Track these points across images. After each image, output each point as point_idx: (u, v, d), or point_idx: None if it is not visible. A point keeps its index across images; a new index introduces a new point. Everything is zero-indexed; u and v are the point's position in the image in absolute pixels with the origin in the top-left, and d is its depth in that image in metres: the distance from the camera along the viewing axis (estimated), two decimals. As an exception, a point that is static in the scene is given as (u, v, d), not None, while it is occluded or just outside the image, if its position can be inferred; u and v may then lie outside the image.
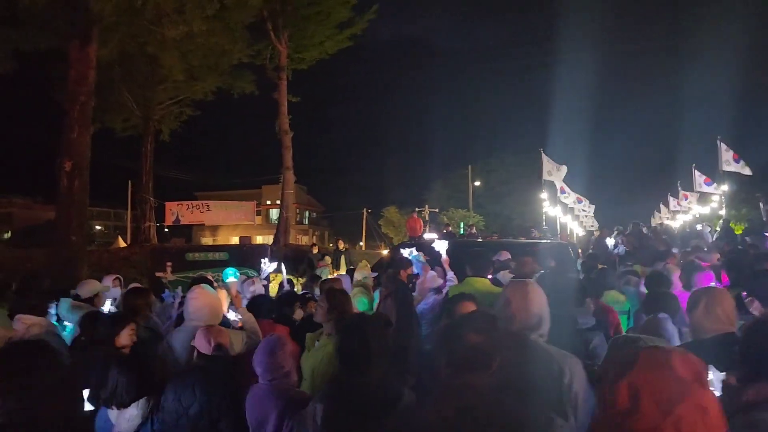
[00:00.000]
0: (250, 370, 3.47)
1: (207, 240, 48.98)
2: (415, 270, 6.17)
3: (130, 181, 37.06)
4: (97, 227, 62.44)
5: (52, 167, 12.07)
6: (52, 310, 5.01)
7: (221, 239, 44.87)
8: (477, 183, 49.25)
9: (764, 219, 20.65)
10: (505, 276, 6.50)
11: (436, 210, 44.71)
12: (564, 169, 22.53)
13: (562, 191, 23.86)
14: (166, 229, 27.29)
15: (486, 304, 4.41)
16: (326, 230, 64.90)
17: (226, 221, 26.28)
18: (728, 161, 21.58)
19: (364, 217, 51.47)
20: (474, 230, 21.63)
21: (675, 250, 9.67)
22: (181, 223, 23.55)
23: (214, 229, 45.89)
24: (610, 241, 14.93)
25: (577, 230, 32.79)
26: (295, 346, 3.60)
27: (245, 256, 10.81)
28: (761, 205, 20.97)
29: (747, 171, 21.71)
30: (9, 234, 57.91)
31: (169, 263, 10.70)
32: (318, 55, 22.75)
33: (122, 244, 24.27)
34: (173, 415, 3.46)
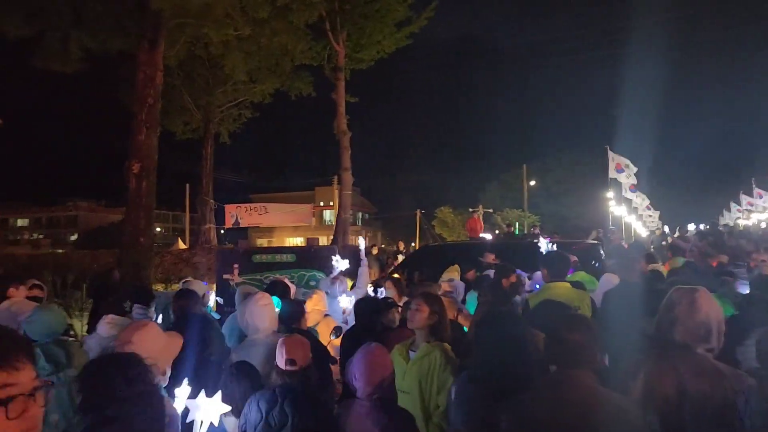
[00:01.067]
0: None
1: (262, 242, 49.56)
2: None
3: (188, 184, 37.75)
4: (157, 229, 64.26)
5: (115, 171, 12.20)
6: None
7: (276, 241, 45.29)
8: (532, 182, 48.18)
9: None
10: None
11: (491, 210, 44.01)
12: (633, 168, 21.61)
13: (632, 189, 22.87)
14: (222, 231, 27.63)
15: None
16: (379, 231, 64.82)
17: (284, 223, 26.40)
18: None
19: (418, 217, 51.11)
20: (537, 230, 20.96)
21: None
22: (240, 225, 23.74)
23: (270, 231, 46.36)
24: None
25: (641, 230, 31.58)
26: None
27: (312, 258, 10.56)
28: None
29: None
30: (75, 236, 60.20)
31: (236, 265, 10.59)
32: (376, 54, 22.50)
33: (182, 246, 24.65)
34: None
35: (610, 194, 23.17)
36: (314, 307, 5.67)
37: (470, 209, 43.13)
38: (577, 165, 50.28)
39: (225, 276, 10.16)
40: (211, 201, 23.68)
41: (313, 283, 9.92)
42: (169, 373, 2.87)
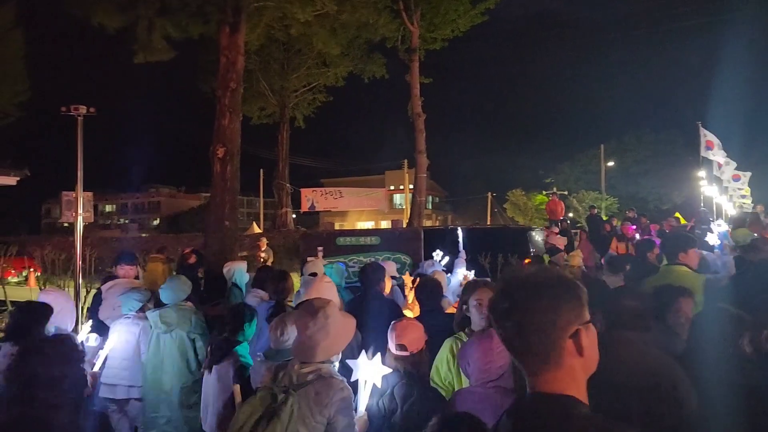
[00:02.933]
0: None
1: (334, 225, 50.16)
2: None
3: (261, 169, 38.47)
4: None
5: (192, 158, 12.42)
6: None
7: (348, 225, 45.69)
8: (610, 163, 46.31)
9: None
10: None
11: (565, 192, 42.68)
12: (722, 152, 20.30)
13: (735, 179, 21.51)
14: (294, 215, 27.99)
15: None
16: (449, 215, 64.34)
17: (358, 207, 26.49)
18: None
19: (489, 201, 50.31)
20: (595, 212, 20.04)
21: None
22: (316, 209, 23.98)
23: (342, 215, 46.82)
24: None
25: (731, 211, 29.78)
26: None
27: (397, 241, 10.44)
28: None
29: None
30: (158, 221, 62.95)
31: (320, 248, 10.61)
32: (450, 33, 22.02)
33: (257, 229, 25.15)
34: (375, 418, 2.98)
35: (701, 173, 21.85)
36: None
37: (544, 192, 42.00)
38: (657, 144, 47.97)
39: (309, 258, 10.19)
40: (288, 185, 24.02)
41: (398, 266, 9.79)
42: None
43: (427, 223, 52.43)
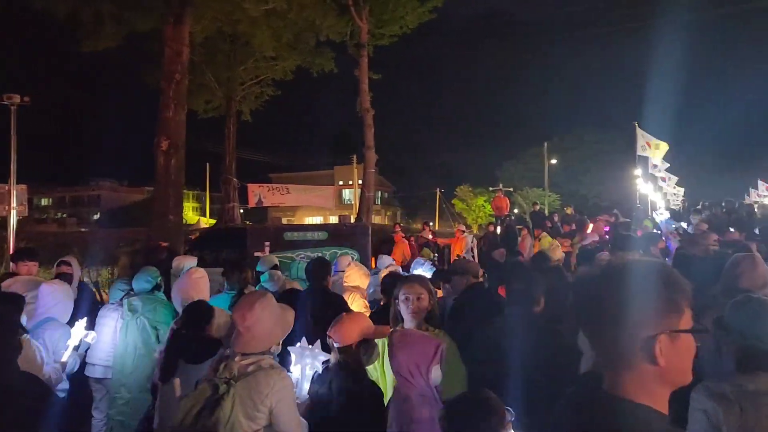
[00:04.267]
0: None
1: (282, 220, 49.70)
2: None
3: (208, 163, 37.84)
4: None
5: (136, 151, 12.17)
6: None
7: (296, 220, 45.40)
8: (553, 161, 47.62)
9: None
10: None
11: (510, 189, 43.59)
12: (664, 145, 21.18)
13: (654, 165, 22.46)
14: (241, 210, 27.66)
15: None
16: (398, 210, 64.74)
17: (306, 203, 26.32)
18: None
19: (438, 197, 50.89)
20: (537, 208, 20.80)
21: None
22: (264, 204, 23.68)
23: (291, 210, 46.47)
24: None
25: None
26: None
27: (344, 235, 10.49)
28: None
29: None
30: (98, 215, 60.91)
31: (267, 242, 10.55)
32: (399, 30, 22.15)
33: (203, 224, 24.71)
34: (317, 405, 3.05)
35: (638, 172, 22.75)
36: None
37: (490, 188, 42.81)
38: (597, 144, 49.60)
39: (256, 253, 10.12)
40: (235, 180, 23.66)
41: (345, 260, 9.81)
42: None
43: (377, 219, 52.63)
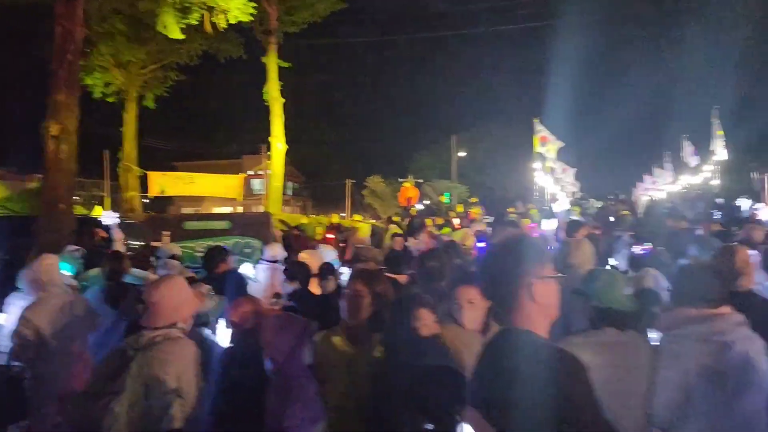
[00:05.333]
0: None
1: (188, 211, 48.07)
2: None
3: (107, 151, 35.76)
4: (74, 197, 61.06)
5: (27, 136, 11.45)
6: None
7: (204, 210, 44.13)
8: (462, 153, 48.94)
9: (757, 189, 20.78)
10: None
11: (420, 180, 44.40)
12: (559, 143, 22.32)
13: (543, 142, 23.61)
14: (146, 200, 26.55)
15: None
16: (308, 201, 64.30)
17: (212, 193, 25.61)
18: (718, 137, 21.60)
19: (348, 187, 50.91)
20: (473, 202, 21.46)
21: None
22: (166, 194, 22.87)
23: (198, 200, 45.08)
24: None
25: (564, 202, 32.71)
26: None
27: (248, 225, 10.34)
28: (755, 175, 21.09)
29: (724, 155, 21.70)
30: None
31: (166, 232, 10.21)
32: (309, 17, 21.97)
33: (101, 214, 23.38)
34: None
35: (536, 165, 23.80)
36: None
37: (399, 179, 43.39)
38: (504, 137, 51.38)
39: (154, 243, 9.79)
40: (135, 168, 22.64)
41: (248, 250, 9.74)
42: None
43: (286, 210, 52.08)
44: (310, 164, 63.99)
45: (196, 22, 15.04)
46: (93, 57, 19.93)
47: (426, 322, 2.83)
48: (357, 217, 19.97)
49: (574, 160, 26.63)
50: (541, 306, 1.83)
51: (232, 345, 3.43)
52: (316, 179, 63.45)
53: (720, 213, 13.12)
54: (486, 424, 1.70)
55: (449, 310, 3.26)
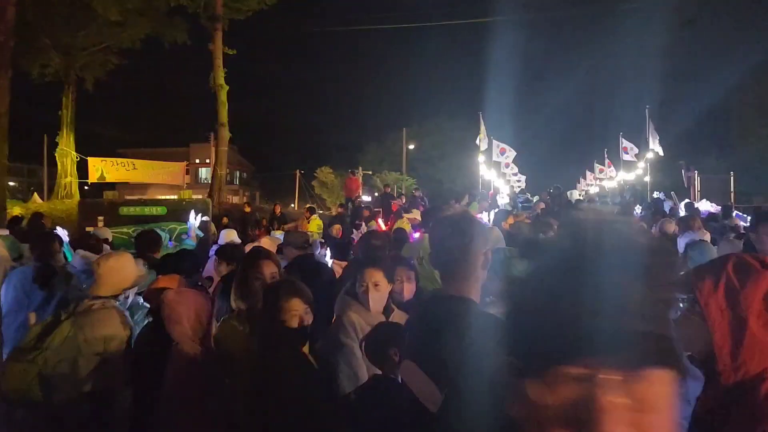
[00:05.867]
0: None
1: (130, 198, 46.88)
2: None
3: (45, 135, 34.56)
4: (10, 183, 58.55)
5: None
6: None
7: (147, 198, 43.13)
8: (411, 146, 49.35)
9: (686, 185, 21.87)
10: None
11: (370, 172, 44.58)
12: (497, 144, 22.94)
13: (502, 152, 24.24)
14: (87, 187, 25.88)
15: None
16: (257, 191, 63.59)
17: (154, 180, 25.13)
18: (652, 134, 22.59)
19: (297, 178, 50.67)
20: (388, 190, 21.78)
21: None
22: (106, 180, 22.34)
23: (141, 188, 44.05)
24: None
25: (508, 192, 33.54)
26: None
27: (184, 211, 10.28)
28: (683, 171, 22.16)
29: (660, 151, 22.73)
30: None
31: (100, 217, 10.10)
32: (257, 4, 21.76)
33: (38, 200, 22.78)
34: None
35: (481, 158, 24.34)
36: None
37: (350, 170, 43.44)
38: (453, 131, 52.05)
39: (87, 228, 9.68)
40: (73, 153, 22.01)
41: (185, 236, 9.70)
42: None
43: (234, 199, 51.43)
44: (259, 154, 63.43)
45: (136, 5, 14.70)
46: (29, 38, 19.27)
47: (296, 312, 2.69)
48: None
49: (520, 156, 27.32)
50: (483, 274, 2.08)
51: (149, 320, 3.60)
52: (265, 169, 62.87)
53: (641, 206, 13.84)
54: (423, 376, 1.92)
55: (355, 291, 3.34)
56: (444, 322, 1.94)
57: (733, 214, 11.49)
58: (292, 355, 2.67)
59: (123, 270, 3.46)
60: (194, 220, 7.71)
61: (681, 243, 5.43)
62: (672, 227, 7.27)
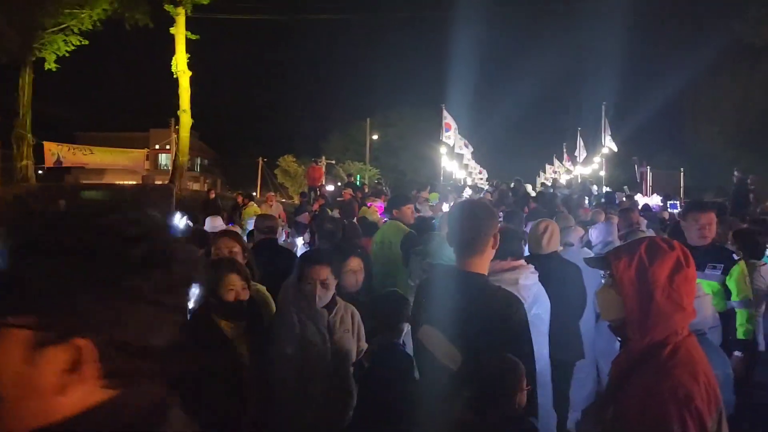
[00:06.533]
0: None
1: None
2: None
3: (0, 118, 33.54)
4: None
5: None
6: None
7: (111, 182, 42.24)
8: (375, 136, 49.50)
9: (638, 180, 22.69)
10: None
11: (333, 161, 44.58)
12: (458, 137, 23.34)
13: (466, 146, 24.69)
14: (40, 171, 25.29)
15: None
16: (219, 178, 62.83)
17: (112, 166, 24.75)
18: (606, 130, 23.36)
19: (260, 166, 50.28)
20: (351, 179, 22.08)
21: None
22: (63, 165, 21.91)
23: (99, 173, 43.13)
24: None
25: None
26: None
27: (147, 198, 10.32)
28: (636, 167, 23.00)
29: (614, 147, 23.54)
30: None
31: (62, 201, 10.02)
32: (221, -11, 21.55)
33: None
34: None
35: (443, 150, 24.72)
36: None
37: (313, 159, 43.35)
38: (417, 121, 52.38)
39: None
40: (29, 136, 21.45)
41: (147, 221, 9.73)
42: None
43: (195, 186, 50.76)
44: (222, 141, 62.60)
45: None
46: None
47: (232, 287, 2.95)
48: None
49: (481, 149, 27.86)
50: (491, 253, 2.44)
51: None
52: (227, 157, 62.15)
53: (587, 199, 14.53)
54: (443, 338, 2.27)
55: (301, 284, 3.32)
56: (460, 293, 2.32)
57: (669, 206, 12.47)
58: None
59: None
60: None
61: (592, 233, 5.93)
62: (601, 216, 7.84)
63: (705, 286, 3.91)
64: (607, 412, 1.86)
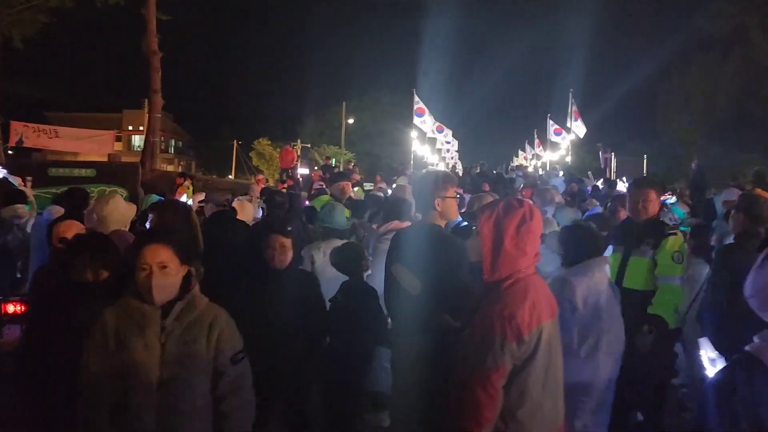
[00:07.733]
0: None
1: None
2: None
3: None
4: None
5: None
6: None
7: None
8: (350, 120, 49.66)
9: (602, 166, 23.34)
10: None
11: (308, 145, 44.61)
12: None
13: (439, 130, 25.03)
14: (11, 151, 25.12)
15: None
16: (193, 161, 62.55)
17: (79, 149, 24.59)
18: (572, 117, 23.93)
19: (235, 148, 50.18)
20: (330, 162, 22.40)
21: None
22: (24, 145, 21.77)
23: (70, 155, 42.73)
24: None
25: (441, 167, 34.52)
26: None
27: (113, 173, 10.53)
28: (600, 153, 23.64)
29: (581, 132, 24.11)
30: None
31: (29, 178, 10.19)
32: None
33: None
34: None
35: (414, 134, 25.06)
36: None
37: (289, 143, 43.29)
38: (392, 106, 52.61)
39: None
40: (-3, 115, 21.28)
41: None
42: None
43: (169, 168, 50.44)
44: (196, 123, 62.19)
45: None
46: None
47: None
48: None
49: (456, 134, 28.27)
50: (442, 212, 3.25)
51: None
52: (202, 139, 61.81)
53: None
54: (409, 273, 3.10)
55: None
56: (422, 237, 3.21)
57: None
58: None
59: (123, 209, 4.27)
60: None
61: None
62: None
63: (612, 258, 4.25)
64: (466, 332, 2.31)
